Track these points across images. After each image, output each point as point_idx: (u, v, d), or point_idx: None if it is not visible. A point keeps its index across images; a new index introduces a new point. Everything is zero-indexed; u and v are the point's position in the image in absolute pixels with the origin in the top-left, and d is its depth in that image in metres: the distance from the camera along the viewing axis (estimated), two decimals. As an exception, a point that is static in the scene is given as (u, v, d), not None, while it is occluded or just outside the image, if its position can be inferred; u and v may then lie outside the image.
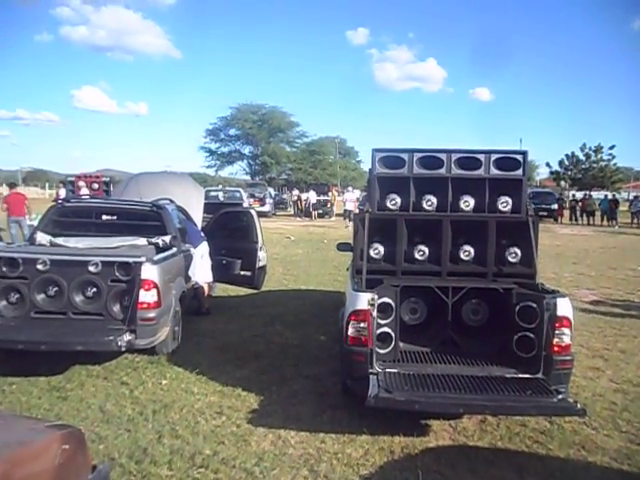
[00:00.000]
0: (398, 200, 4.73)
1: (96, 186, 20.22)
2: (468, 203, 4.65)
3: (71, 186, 20.11)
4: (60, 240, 5.65)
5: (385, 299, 4.08)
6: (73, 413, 4.13)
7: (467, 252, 4.63)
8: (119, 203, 6.38)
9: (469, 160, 4.71)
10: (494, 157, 4.69)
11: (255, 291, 7.89)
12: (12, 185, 13.19)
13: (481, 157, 4.70)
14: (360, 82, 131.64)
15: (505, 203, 4.63)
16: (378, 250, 4.68)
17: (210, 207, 8.21)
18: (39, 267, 4.87)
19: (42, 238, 5.70)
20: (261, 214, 11.08)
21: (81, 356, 4.98)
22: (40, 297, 4.91)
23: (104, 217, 6.06)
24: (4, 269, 4.86)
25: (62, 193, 20.62)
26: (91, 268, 4.89)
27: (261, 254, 7.50)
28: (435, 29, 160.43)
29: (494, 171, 4.68)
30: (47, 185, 53.60)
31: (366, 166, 58.84)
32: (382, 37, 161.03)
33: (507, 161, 4.70)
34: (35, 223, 13.43)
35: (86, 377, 4.88)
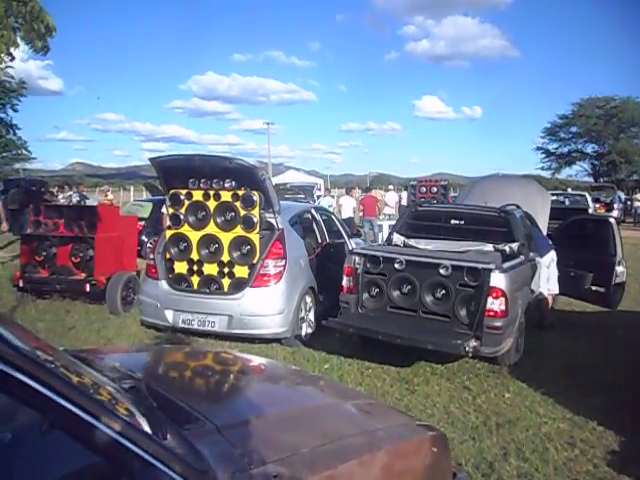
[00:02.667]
0: None
1: (435, 189, 21.31)
2: None
3: (413, 190, 21.71)
4: (412, 242, 6.07)
5: None
6: (420, 408, 4.34)
7: None
8: (467, 208, 6.46)
9: None
10: None
11: (606, 310, 6.95)
12: (367, 189, 14.99)
13: None
14: None
15: None
16: None
17: (554, 213, 7.60)
18: (396, 266, 5.30)
19: (397, 239, 6.22)
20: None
21: (425, 353, 5.21)
22: (395, 293, 5.34)
23: (452, 221, 6.23)
24: (368, 265, 5.47)
25: (404, 196, 22.48)
26: (442, 271, 5.07)
27: (619, 269, 6.54)
28: None
29: None
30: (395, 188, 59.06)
31: None
32: None
33: None
34: (383, 223, 15.05)
35: (430, 374, 5.09)
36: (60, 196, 17.54)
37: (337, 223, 7.68)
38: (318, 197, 19.59)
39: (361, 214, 14.46)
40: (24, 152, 17.23)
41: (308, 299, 6.10)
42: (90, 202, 19.70)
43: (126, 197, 33.01)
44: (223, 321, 5.58)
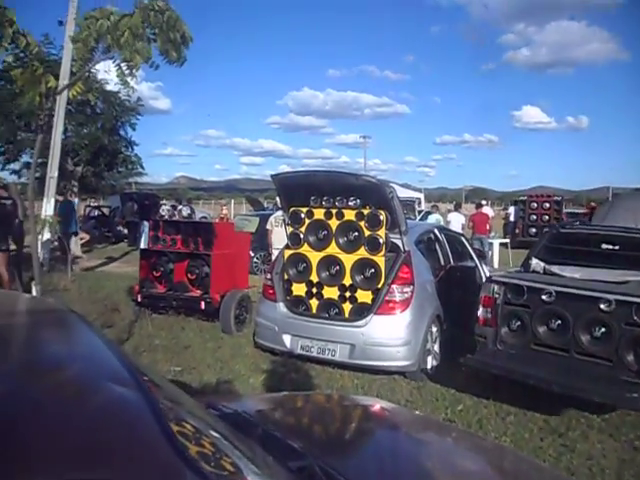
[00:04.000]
0: None
1: (547, 205, 19.86)
2: None
3: (522, 205, 20.40)
4: (555, 268, 5.33)
5: None
6: (585, 472, 3.65)
7: None
8: (620, 230, 5.62)
9: None
10: None
11: None
12: (478, 205, 14.13)
13: None
14: None
15: None
16: None
17: None
18: (544, 297, 4.63)
19: (537, 265, 5.51)
20: None
21: (575, 399, 4.48)
22: (542, 329, 4.67)
23: (603, 246, 5.44)
24: (509, 295, 4.84)
25: (512, 212, 21.18)
26: (603, 306, 4.33)
27: None
28: None
29: None
30: (489, 203, 56.75)
31: None
32: None
33: None
34: (494, 242, 14.08)
35: (587, 427, 4.34)
36: (165, 209, 18.32)
37: (465, 245, 7.08)
38: (419, 212, 18.92)
39: (471, 231, 13.62)
40: (139, 167, 18.13)
41: (434, 329, 5.56)
42: (199, 215, 20.39)
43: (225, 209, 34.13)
44: (344, 350, 5.19)
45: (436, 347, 5.60)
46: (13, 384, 0.76)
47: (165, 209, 7.37)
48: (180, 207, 17.01)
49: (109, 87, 14.94)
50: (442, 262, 6.36)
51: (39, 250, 7.21)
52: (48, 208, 10.41)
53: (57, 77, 8.57)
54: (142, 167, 18.29)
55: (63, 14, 10.02)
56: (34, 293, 4.29)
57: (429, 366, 5.41)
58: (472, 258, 6.90)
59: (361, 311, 5.28)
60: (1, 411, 0.69)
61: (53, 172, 10.45)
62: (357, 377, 5.22)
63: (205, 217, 21.52)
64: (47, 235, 9.87)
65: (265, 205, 22.33)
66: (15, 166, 15.29)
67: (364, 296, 5.33)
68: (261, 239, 11.69)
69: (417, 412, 4.02)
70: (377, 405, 2.52)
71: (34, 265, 4.15)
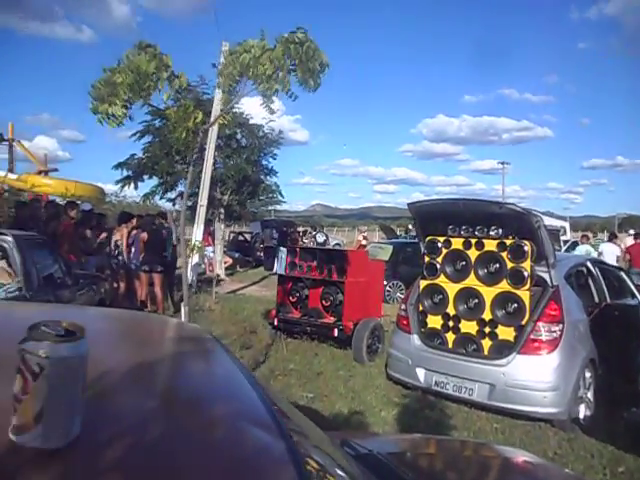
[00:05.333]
0: None
1: None
2: None
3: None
4: None
5: None
6: None
7: None
8: None
9: None
10: None
11: None
12: (637, 235, 12.65)
13: None
14: None
15: None
16: None
17: None
18: None
19: None
20: None
21: None
22: None
23: None
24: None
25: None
26: None
27: None
28: None
29: None
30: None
31: None
32: None
33: None
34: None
35: None
36: (305, 236, 19.02)
37: (625, 280, 6.33)
38: (565, 242, 17.50)
39: (627, 264, 12.19)
40: (278, 196, 19.07)
41: (588, 374, 4.97)
42: (333, 242, 20.85)
43: (355, 237, 34.57)
44: (483, 390, 4.84)
45: (590, 395, 5.00)
46: (154, 416, 0.76)
47: (315, 236, 7.62)
48: (315, 234, 17.62)
49: (252, 121, 16.11)
50: (596, 299, 5.72)
51: (189, 272, 7.83)
52: (198, 233, 11.31)
53: (209, 114, 9.37)
54: (282, 195, 19.23)
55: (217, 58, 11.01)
56: (182, 313, 4.61)
57: (581, 416, 4.84)
58: (633, 295, 6.14)
59: (502, 349, 4.90)
60: (142, 446, 0.68)
61: (203, 201, 11.37)
62: (497, 420, 4.82)
63: (339, 244, 22.00)
64: (196, 259, 10.69)
65: (397, 233, 22.19)
66: (171, 195, 16.93)
67: (506, 333, 4.96)
68: (395, 267, 11.58)
69: (568, 470, 3.58)
70: (521, 457, 2.26)
71: (184, 287, 4.47)
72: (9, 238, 5.01)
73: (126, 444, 0.67)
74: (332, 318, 7.03)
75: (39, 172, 22.95)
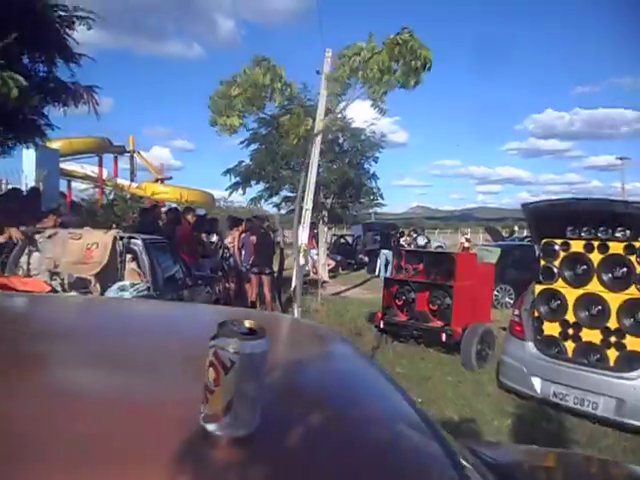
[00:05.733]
0: None
1: None
2: None
3: None
4: None
5: None
6: None
7: None
8: None
9: None
10: None
11: None
12: None
13: None
14: None
15: None
16: None
17: None
18: None
19: None
20: None
21: None
22: None
23: None
24: None
25: None
26: None
27: None
28: None
29: None
30: None
31: None
32: None
33: None
34: None
35: None
36: (405, 239, 18.82)
37: None
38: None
39: None
40: (379, 198, 19.06)
41: None
42: (434, 244, 20.46)
43: (458, 239, 33.58)
44: (609, 404, 4.49)
45: None
46: (318, 413, 0.79)
47: (416, 238, 7.55)
48: (416, 236, 17.39)
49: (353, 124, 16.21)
50: None
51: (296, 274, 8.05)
52: (303, 236, 11.59)
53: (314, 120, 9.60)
54: (382, 198, 19.20)
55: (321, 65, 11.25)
56: (295, 313, 4.77)
57: None
58: None
59: (632, 361, 4.52)
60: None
61: (308, 205, 11.63)
62: (626, 438, 4.45)
63: (441, 246, 21.50)
64: (302, 261, 10.97)
65: (504, 235, 21.29)
66: (276, 200, 17.51)
67: (635, 344, 4.57)
68: (503, 271, 11.11)
69: None
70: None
71: (297, 289, 4.62)
72: (139, 242, 5.49)
73: (297, 437, 0.72)
74: (440, 322, 6.89)
75: (156, 180, 24.89)
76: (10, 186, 11.12)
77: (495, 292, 10.72)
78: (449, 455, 0.76)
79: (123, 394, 0.80)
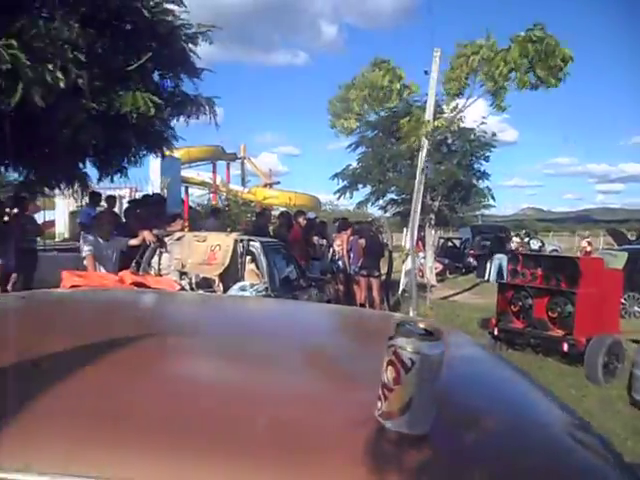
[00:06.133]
0: None
1: None
2: None
3: None
4: None
5: None
6: None
7: None
8: None
9: None
10: None
11: None
12: None
13: None
14: None
15: None
16: None
17: None
18: None
19: None
20: None
21: None
22: None
23: None
24: None
25: None
26: None
27: None
28: None
29: None
30: None
31: None
32: None
33: None
34: None
35: None
36: (515, 242, 17.95)
37: None
38: None
39: None
40: (490, 200, 18.34)
41: None
42: (549, 248, 19.31)
43: (575, 242, 31.32)
44: None
45: None
46: (488, 415, 0.80)
47: (529, 242, 7.21)
48: (528, 239, 16.50)
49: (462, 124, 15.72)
50: None
51: (403, 278, 8.00)
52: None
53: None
54: (494, 199, 18.45)
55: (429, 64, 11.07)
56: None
57: None
58: None
59: None
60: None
61: (416, 207, 11.49)
62: None
63: (556, 250, 20.22)
64: (409, 264, 10.86)
65: (629, 237, 19.55)
66: (382, 202, 17.47)
67: None
68: (631, 277, 10.22)
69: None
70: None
71: (413, 292, 4.59)
72: (257, 244, 5.76)
73: (471, 439, 0.73)
74: (560, 331, 6.49)
75: (265, 185, 25.97)
76: (141, 193, 12.19)
77: (623, 300, 9.91)
78: (619, 464, 0.74)
79: (299, 389, 0.87)
